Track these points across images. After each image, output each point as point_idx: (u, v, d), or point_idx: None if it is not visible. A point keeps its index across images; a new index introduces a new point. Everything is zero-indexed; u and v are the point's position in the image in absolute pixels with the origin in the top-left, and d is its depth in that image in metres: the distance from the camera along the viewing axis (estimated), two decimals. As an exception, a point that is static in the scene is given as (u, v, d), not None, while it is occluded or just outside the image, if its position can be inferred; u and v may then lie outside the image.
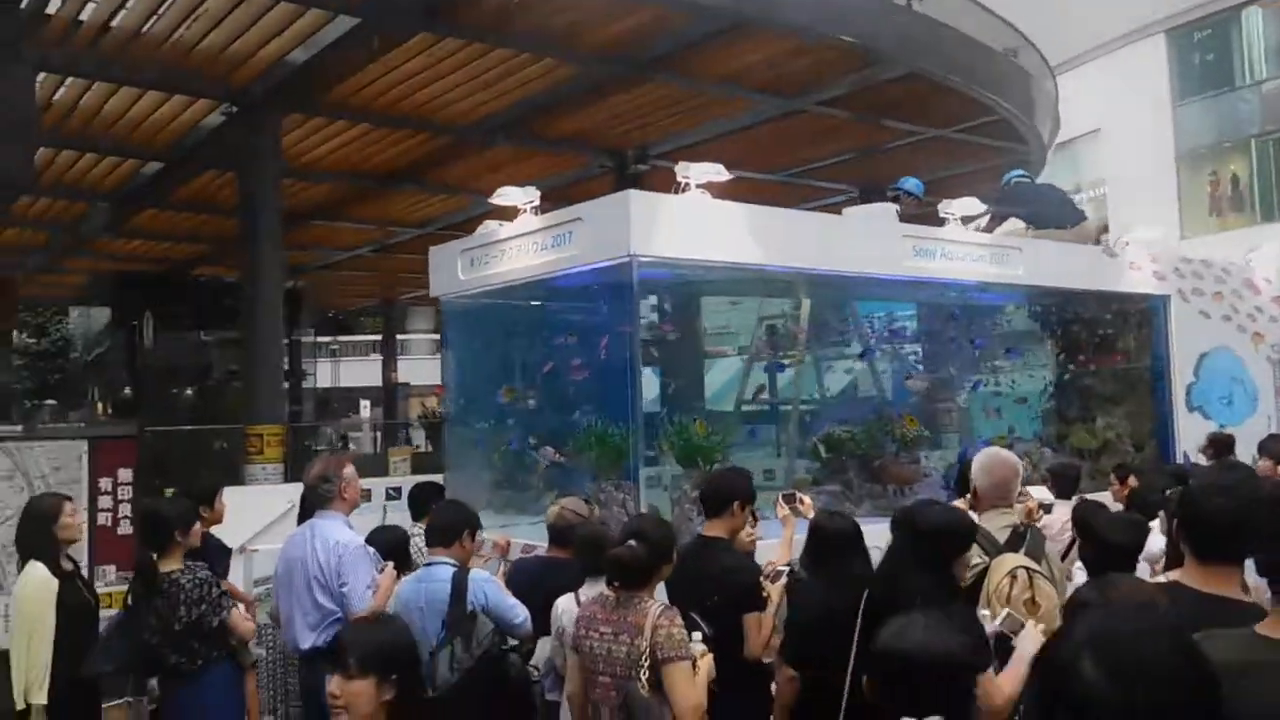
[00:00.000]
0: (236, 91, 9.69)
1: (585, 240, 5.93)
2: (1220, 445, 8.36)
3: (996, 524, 4.56)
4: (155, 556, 5.09)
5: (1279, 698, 1.89)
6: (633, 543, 3.69)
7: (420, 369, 32.35)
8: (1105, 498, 6.51)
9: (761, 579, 4.48)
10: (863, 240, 6.86)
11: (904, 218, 8.62)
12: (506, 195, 6.49)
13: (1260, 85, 27.93)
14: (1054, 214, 8.48)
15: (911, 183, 9.10)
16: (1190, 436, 8.82)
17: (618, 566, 3.68)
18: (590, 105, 10.71)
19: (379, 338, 30.40)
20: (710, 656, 3.65)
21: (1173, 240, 24.37)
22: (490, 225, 6.85)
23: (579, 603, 4.40)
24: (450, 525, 4.60)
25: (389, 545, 5.14)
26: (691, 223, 5.89)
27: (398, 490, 7.45)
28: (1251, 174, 28.08)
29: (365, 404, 33.91)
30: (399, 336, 31.25)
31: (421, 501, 6.40)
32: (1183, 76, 29.43)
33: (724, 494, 4.57)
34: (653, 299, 7.32)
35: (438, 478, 7.26)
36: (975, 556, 4.43)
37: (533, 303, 7.04)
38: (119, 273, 18.58)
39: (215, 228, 15.00)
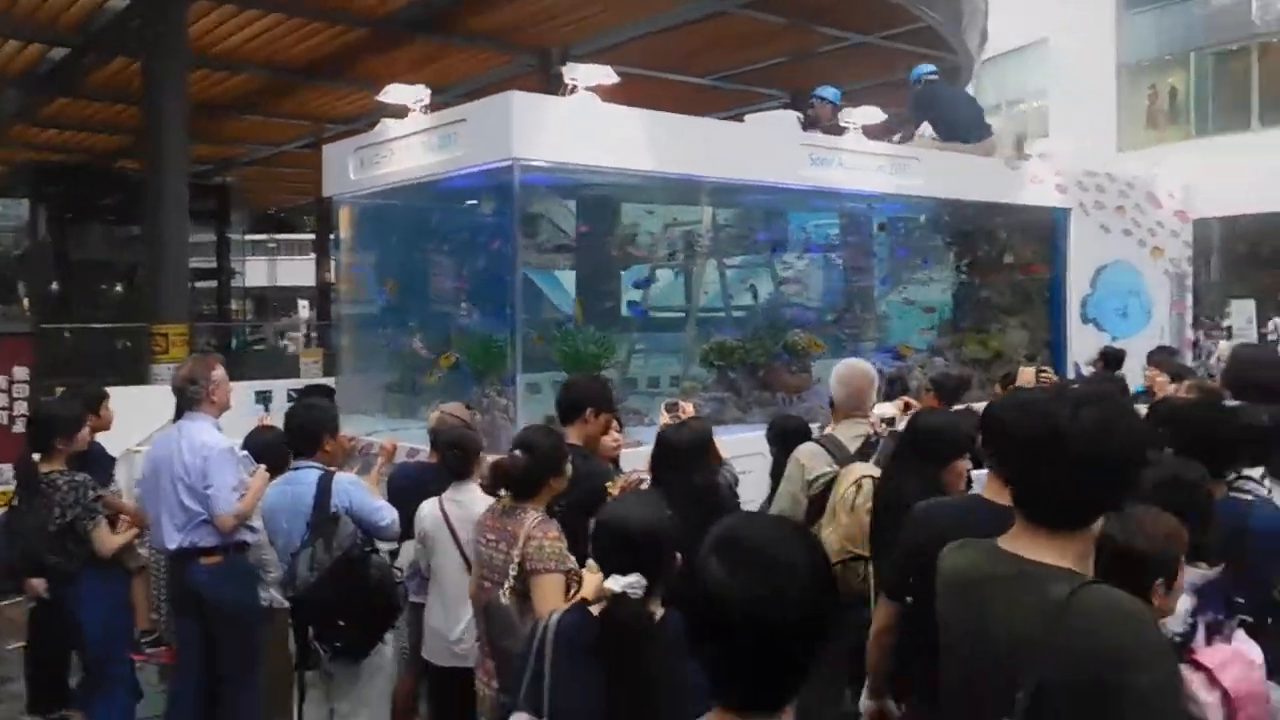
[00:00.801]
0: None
1: (469, 142, 5.88)
2: (1109, 359, 8.64)
3: (849, 433, 4.71)
4: (38, 458, 5.13)
5: (1001, 608, 1.94)
6: (518, 452, 3.67)
7: (357, 267, 31.86)
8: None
9: (611, 484, 4.50)
10: (758, 148, 6.86)
11: (823, 127, 8.70)
12: (394, 93, 6.38)
13: (1203, -2, 27.96)
14: (962, 126, 8.51)
15: (830, 91, 9.10)
16: (1083, 348, 9.05)
17: (502, 475, 3.69)
18: (497, 3, 10.47)
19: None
20: (599, 577, 3.57)
21: (1108, 152, 24.60)
22: (387, 124, 6.75)
23: (442, 507, 4.49)
24: (306, 429, 4.61)
25: (265, 447, 5.16)
26: (578, 126, 5.85)
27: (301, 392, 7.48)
28: (1189, 87, 28.24)
29: (304, 304, 33.53)
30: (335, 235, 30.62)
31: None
32: (1127, -13, 29.36)
33: (575, 401, 4.52)
34: (553, 203, 7.32)
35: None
36: (824, 465, 4.59)
37: (422, 204, 6.98)
38: (39, 163, 18.02)
39: (133, 118, 14.58)
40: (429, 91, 6.37)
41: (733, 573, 1.43)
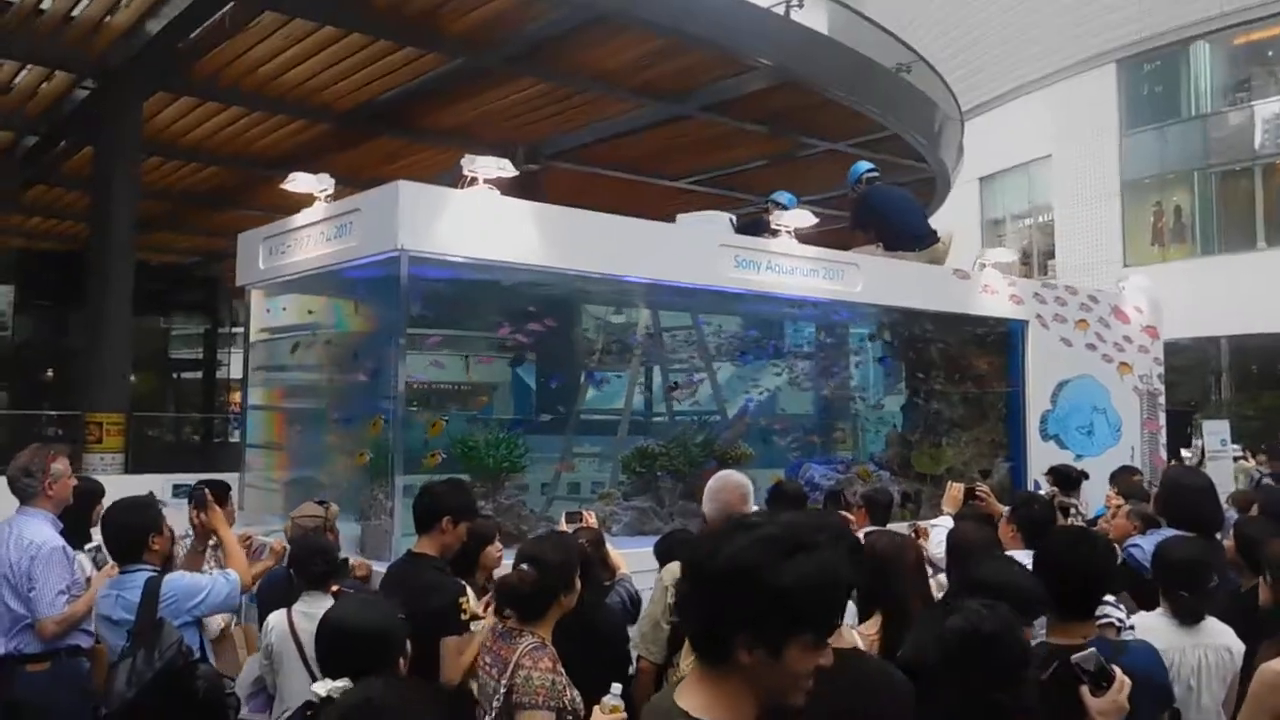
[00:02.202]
0: (94, 65, 9.38)
1: (361, 232, 5.67)
2: (1060, 479, 8.18)
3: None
4: None
5: None
6: (525, 566, 3.34)
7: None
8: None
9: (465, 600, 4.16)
10: (677, 249, 6.62)
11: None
12: (299, 181, 6.20)
13: (1206, 118, 28.09)
14: (907, 236, 8.26)
15: (785, 196, 8.95)
16: (1043, 465, 8.66)
17: (509, 593, 3.38)
18: (466, 98, 10.49)
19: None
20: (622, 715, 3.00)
21: (1115, 268, 24.46)
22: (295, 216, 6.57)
23: (290, 619, 4.14)
24: (127, 530, 4.25)
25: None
26: (474, 218, 5.62)
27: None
28: (1194, 206, 28.22)
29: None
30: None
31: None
32: (1131, 107, 29.58)
33: (430, 508, 4.23)
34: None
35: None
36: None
37: (323, 296, 6.76)
38: (24, 251, 18.11)
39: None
40: (332, 181, 6.19)
41: None
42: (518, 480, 6.69)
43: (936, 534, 5.75)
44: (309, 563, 4.40)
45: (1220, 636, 3.80)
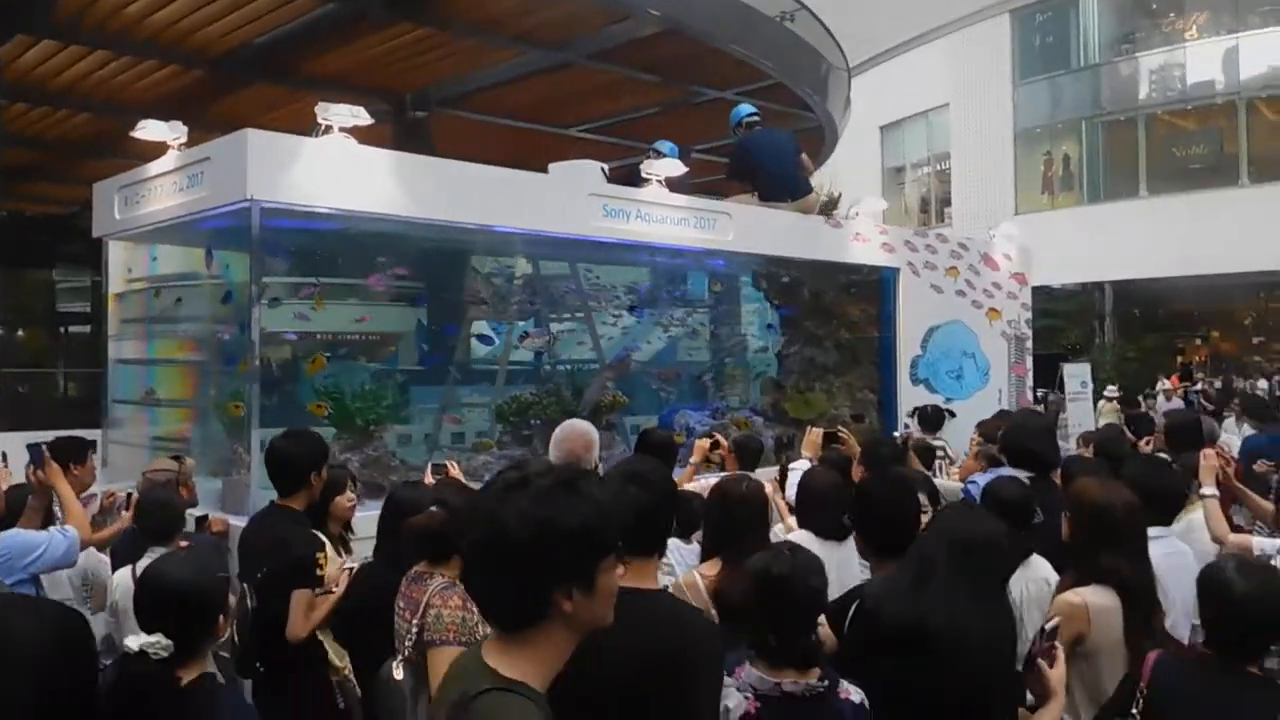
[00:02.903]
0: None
1: (212, 182, 5.58)
2: (925, 418, 8.52)
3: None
4: None
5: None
6: (434, 509, 3.38)
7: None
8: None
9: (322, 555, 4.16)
10: (545, 198, 6.63)
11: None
12: (150, 129, 6.06)
13: (1095, 69, 28.80)
14: (780, 186, 8.38)
15: (666, 145, 8.97)
16: (912, 407, 8.96)
17: (418, 536, 3.39)
18: (343, 44, 10.27)
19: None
20: None
21: (1006, 216, 25.05)
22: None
23: (134, 575, 4.12)
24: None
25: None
26: (326, 167, 5.56)
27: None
28: (1081, 155, 29.03)
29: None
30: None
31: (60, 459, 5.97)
32: (1024, 57, 30.20)
33: (292, 463, 4.18)
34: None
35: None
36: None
37: (186, 246, 6.64)
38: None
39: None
40: (185, 129, 6.05)
41: None
42: (394, 431, 6.74)
43: (794, 478, 5.91)
44: (148, 516, 4.40)
45: (1040, 569, 4.04)
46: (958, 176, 31.87)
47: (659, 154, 8.89)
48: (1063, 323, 27.39)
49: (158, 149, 6.11)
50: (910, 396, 9.03)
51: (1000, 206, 28.51)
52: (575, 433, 4.60)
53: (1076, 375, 11.95)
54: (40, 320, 19.32)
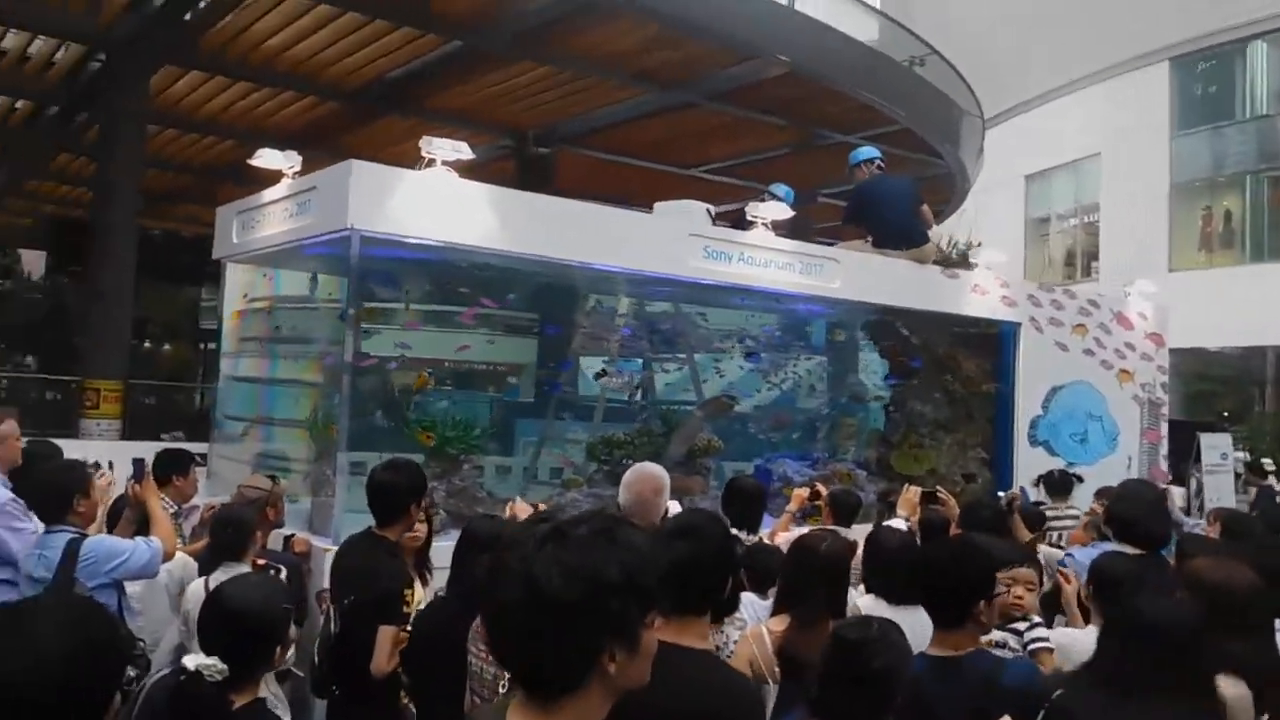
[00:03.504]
0: (101, 36, 9.51)
1: (317, 210, 5.70)
2: (1051, 485, 8.04)
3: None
4: None
5: None
6: None
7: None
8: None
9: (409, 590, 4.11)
10: (643, 236, 6.57)
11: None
12: (266, 158, 6.24)
13: (1260, 120, 27.33)
14: (896, 234, 8.12)
15: (781, 189, 8.87)
16: (1031, 471, 8.51)
17: None
18: (468, 80, 10.52)
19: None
20: None
21: (1159, 272, 23.91)
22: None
23: (207, 588, 4.18)
24: (52, 490, 4.32)
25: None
26: (426, 199, 5.61)
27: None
28: (1244, 211, 27.49)
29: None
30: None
31: (164, 471, 6.17)
32: (1183, 107, 28.83)
33: (395, 492, 4.12)
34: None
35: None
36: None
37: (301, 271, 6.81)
38: (56, 218, 18.44)
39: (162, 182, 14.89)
40: (300, 157, 6.22)
41: None
42: (491, 462, 6.75)
43: (886, 537, 5.64)
44: (219, 532, 4.46)
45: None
46: (1106, 229, 30.51)
47: (773, 196, 8.77)
48: (1219, 388, 25.83)
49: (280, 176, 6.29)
50: (1028, 458, 8.58)
51: (1152, 262, 27.15)
52: (645, 475, 4.46)
53: (1216, 446, 11.19)
54: (184, 335, 20.27)
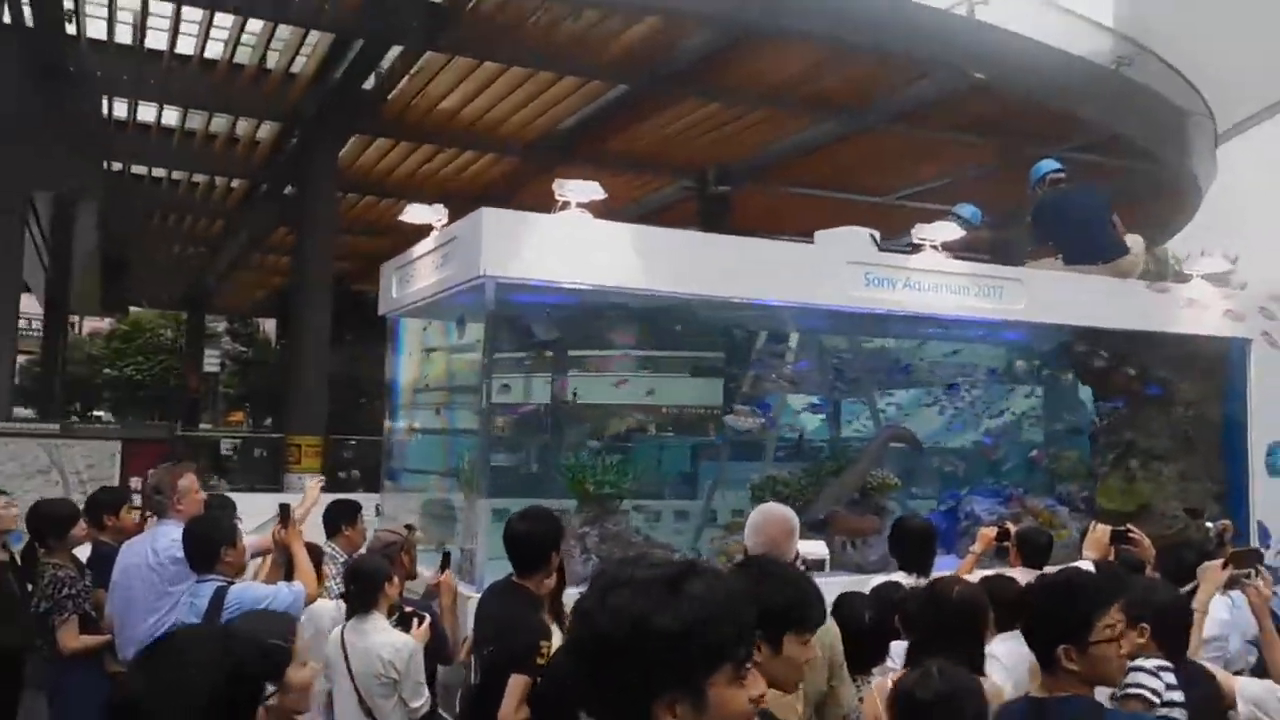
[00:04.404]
0: (290, 113, 10.11)
1: (456, 260, 5.70)
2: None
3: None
4: (40, 549, 5.33)
5: None
6: None
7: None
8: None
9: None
10: (799, 267, 6.22)
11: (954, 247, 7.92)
12: (413, 213, 6.33)
13: None
14: (1087, 248, 7.40)
15: (968, 210, 8.30)
16: (1271, 503, 7.51)
17: None
18: (637, 122, 10.49)
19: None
20: None
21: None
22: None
23: (343, 637, 4.19)
24: (201, 541, 4.42)
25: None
26: (560, 243, 5.50)
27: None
28: None
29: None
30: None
31: (333, 521, 6.30)
32: None
33: (536, 542, 4.00)
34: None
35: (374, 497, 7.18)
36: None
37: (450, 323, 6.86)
38: (284, 288, 19.71)
39: (356, 246, 15.74)
40: (445, 210, 6.27)
41: None
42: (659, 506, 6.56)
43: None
44: (349, 583, 4.42)
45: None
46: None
47: (958, 218, 8.22)
48: None
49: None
50: (1268, 489, 7.58)
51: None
52: (775, 517, 4.10)
53: None
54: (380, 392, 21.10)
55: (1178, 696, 2.92)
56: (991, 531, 5.38)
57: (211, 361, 27.67)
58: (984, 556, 5.34)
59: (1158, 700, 2.89)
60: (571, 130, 10.78)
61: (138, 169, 13.02)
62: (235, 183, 13.16)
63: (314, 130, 10.14)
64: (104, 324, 29.24)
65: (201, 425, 25.99)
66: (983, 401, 7.98)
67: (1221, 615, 4.25)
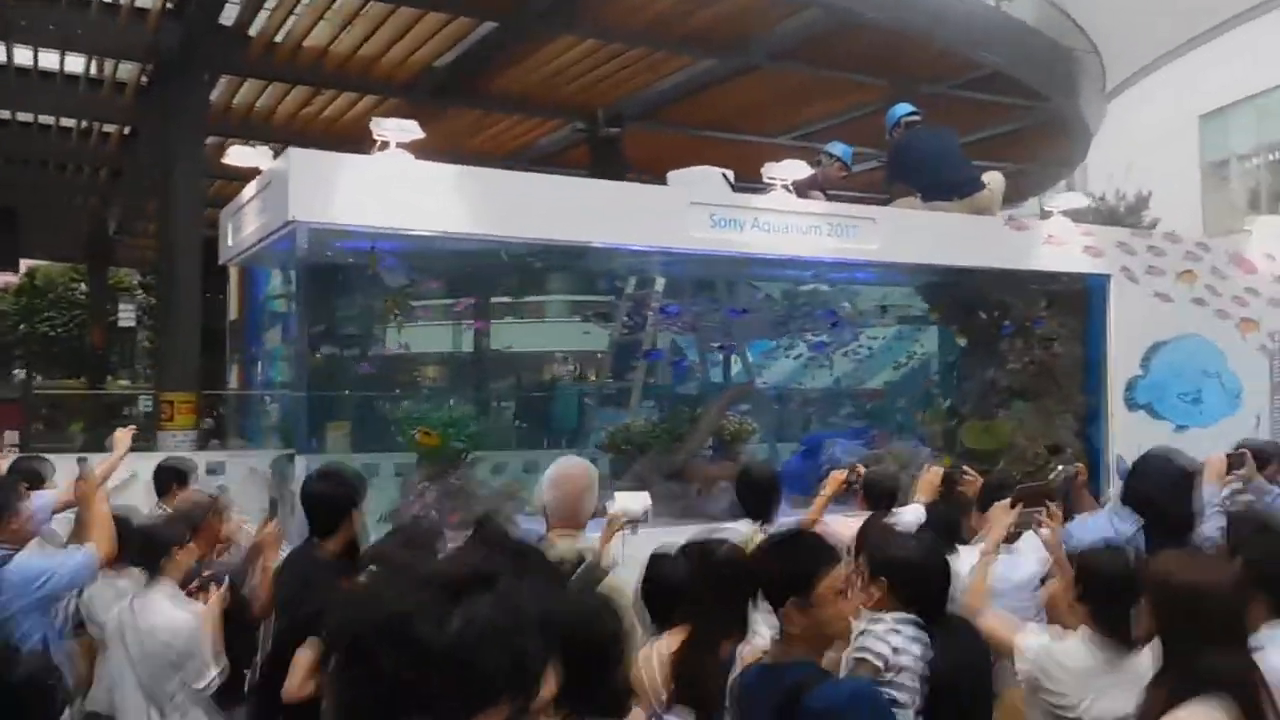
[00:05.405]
0: (147, 51, 9.66)
1: (270, 205, 5.46)
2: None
3: (556, 551, 3.82)
4: None
5: None
6: None
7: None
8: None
9: None
10: (637, 209, 6.06)
11: (826, 184, 7.80)
12: (236, 155, 6.06)
13: None
14: (943, 185, 7.33)
15: (839, 148, 8.21)
16: (1132, 439, 7.55)
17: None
18: (516, 62, 10.22)
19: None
20: None
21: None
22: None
23: (123, 611, 3.99)
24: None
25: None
26: (378, 185, 5.27)
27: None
28: None
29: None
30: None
31: (163, 481, 6.04)
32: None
33: (337, 501, 3.90)
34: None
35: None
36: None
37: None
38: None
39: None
40: (270, 152, 6.00)
41: None
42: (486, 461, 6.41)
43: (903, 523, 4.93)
44: (125, 546, 4.22)
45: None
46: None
47: (830, 156, 8.13)
48: None
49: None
50: (1126, 424, 7.64)
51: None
52: (571, 471, 4.03)
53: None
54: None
55: (907, 660, 2.80)
56: (841, 474, 5.30)
57: (126, 316, 26.89)
58: (833, 499, 5.25)
59: (882, 665, 2.78)
60: (450, 70, 10.44)
61: (12, 115, 12.44)
62: (109, 128, 12.61)
63: (174, 70, 9.68)
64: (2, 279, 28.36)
65: (120, 382, 25.33)
66: (848, 343, 7.95)
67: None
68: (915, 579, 2.99)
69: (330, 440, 5.97)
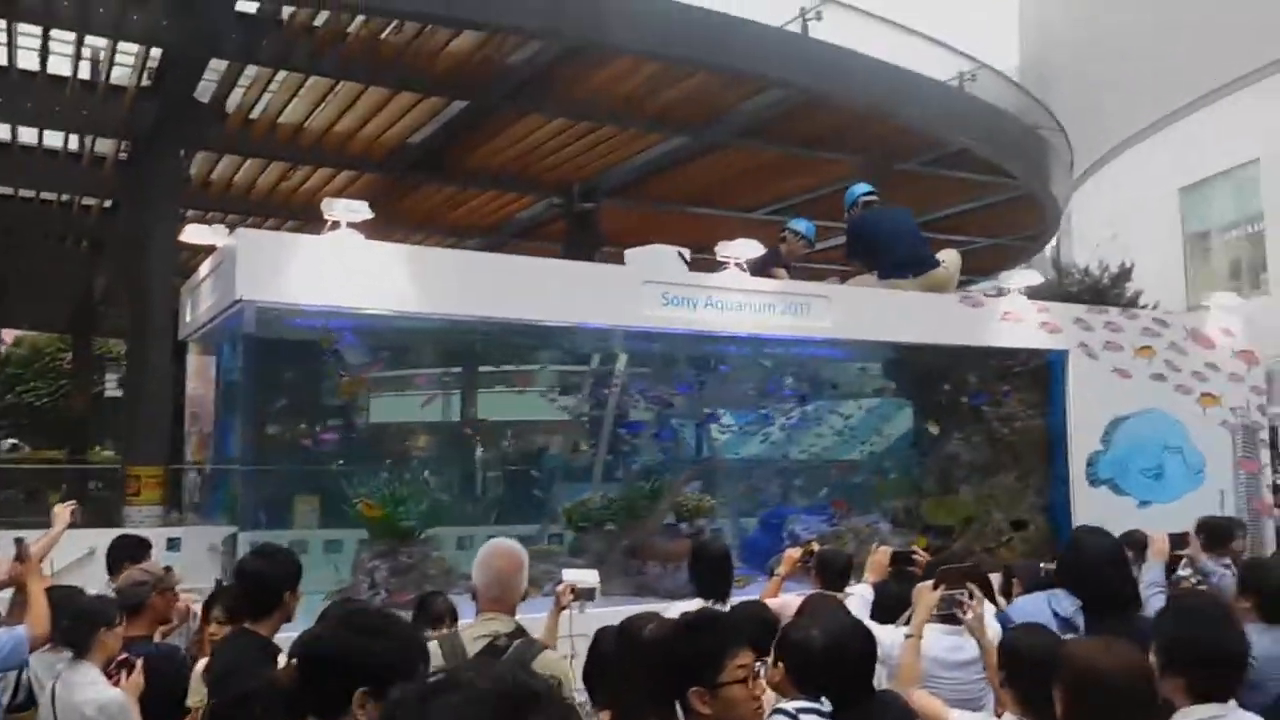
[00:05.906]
0: (125, 129, 9.81)
1: (220, 284, 5.51)
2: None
3: (479, 632, 3.79)
4: None
5: None
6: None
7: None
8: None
9: None
10: (590, 288, 6.12)
11: (790, 260, 7.89)
12: (192, 233, 6.12)
13: None
14: (900, 261, 7.42)
15: (802, 224, 8.30)
16: (1092, 514, 7.53)
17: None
18: (488, 139, 10.38)
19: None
20: None
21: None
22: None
23: (53, 689, 3.93)
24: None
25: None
26: (328, 264, 5.31)
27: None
28: None
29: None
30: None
31: (116, 559, 6.00)
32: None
33: (270, 583, 3.75)
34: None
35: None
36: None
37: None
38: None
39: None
40: (226, 230, 6.06)
41: None
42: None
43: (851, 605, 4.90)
44: (57, 623, 4.17)
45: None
46: (1273, 238, 27.94)
47: (793, 233, 8.22)
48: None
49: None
50: (1088, 499, 7.63)
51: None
52: (503, 550, 3.93)
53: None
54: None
55: None
56: (796, 552, 5.27)
57: (113, 386, 26.87)
58: (789, 578, 5.23)
59: None
60: (425, 146, 10.60)
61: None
62: (90, 201, 12.76)
63: (150, 145, 9.82)
64: (-10, 348, 28.37)
65: (105, 453, 25.20)
66: (810, 418, 7.97)
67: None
68: (808, 662, 2.92)
69: (278, 516, 5.94)
